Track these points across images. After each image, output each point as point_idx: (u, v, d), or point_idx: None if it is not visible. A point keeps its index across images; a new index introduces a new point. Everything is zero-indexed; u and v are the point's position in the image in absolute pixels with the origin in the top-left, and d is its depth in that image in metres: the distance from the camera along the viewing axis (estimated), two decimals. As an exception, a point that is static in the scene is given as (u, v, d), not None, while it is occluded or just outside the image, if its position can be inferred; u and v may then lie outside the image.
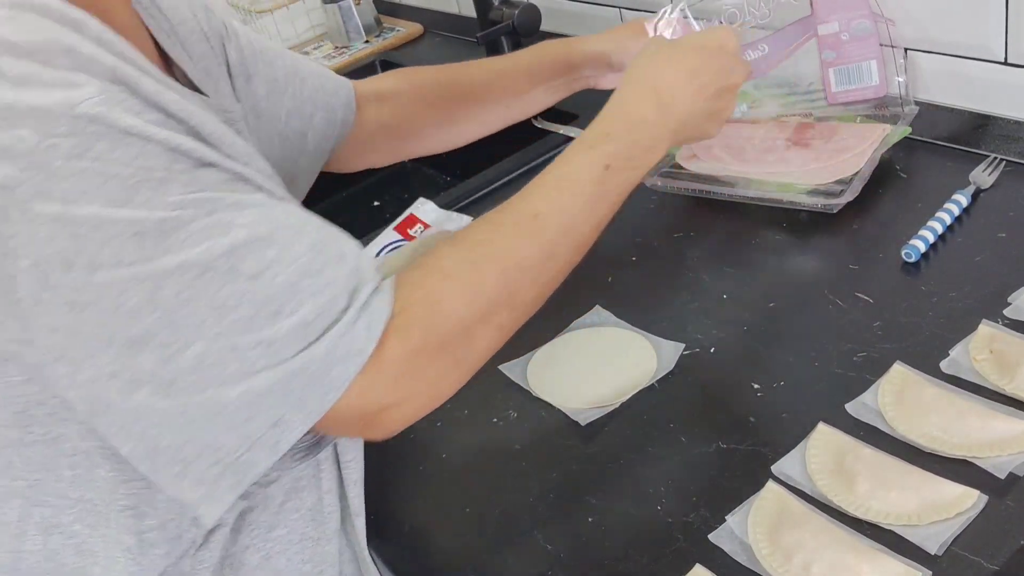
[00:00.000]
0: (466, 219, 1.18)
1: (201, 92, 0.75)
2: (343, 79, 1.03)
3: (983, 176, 0.97)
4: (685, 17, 1.01)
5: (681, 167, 1.11)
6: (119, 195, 0.52)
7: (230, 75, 0.87)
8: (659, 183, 1.10)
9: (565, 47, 1.07)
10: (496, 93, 1.07)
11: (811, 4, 1.06)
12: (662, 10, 1.04)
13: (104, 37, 0.57)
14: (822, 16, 1.05)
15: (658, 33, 1.01)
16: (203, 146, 0.57)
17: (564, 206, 0.68)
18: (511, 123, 1.12)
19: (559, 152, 1.34)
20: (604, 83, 1.07)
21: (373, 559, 0.79)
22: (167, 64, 0.75)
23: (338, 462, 0.73)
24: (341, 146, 1.03)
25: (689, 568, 0.67)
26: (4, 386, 0.59)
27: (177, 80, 0.73)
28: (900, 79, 1.05)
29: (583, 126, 1.30)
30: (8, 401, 0.59)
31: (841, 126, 1.06)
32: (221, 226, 0.54)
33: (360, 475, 0.75)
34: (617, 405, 0.83)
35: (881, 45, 1.04)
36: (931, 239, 0.90)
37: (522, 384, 0.88)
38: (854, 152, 1.01)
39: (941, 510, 0.65)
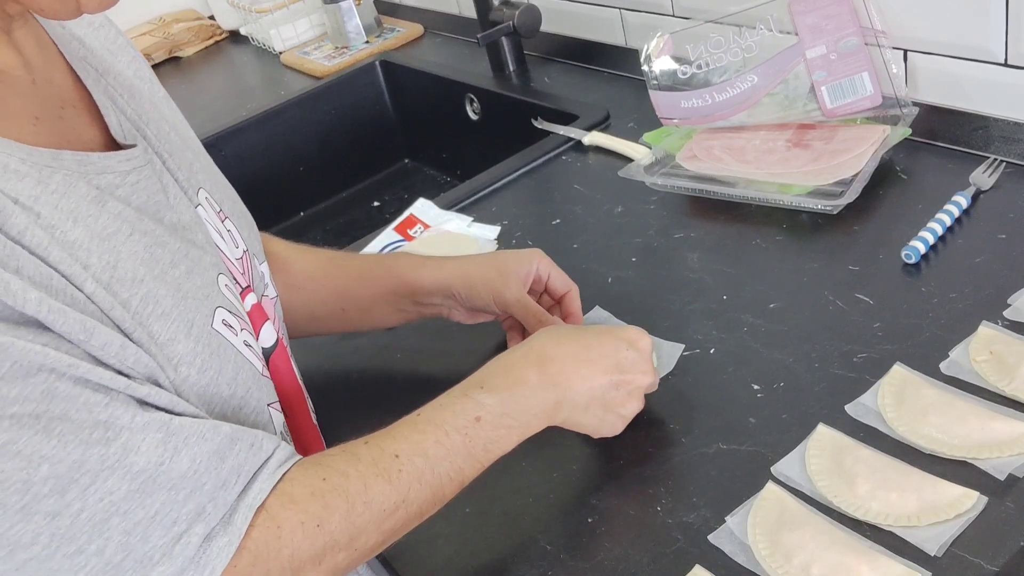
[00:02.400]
0: (466, 219, 1.18)
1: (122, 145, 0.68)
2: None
3: (983, 177, 0.97)
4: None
5: (681, 167, 1.11)
6: None
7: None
8: (659, 183, 1.10)
9: (414, 267, 0.91)
10: (332, 291, 0.93)
11: (796, 32, 1.06)
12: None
13: None
14: (809, 42, 1.05)
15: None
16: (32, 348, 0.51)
17: (426, 450, 0.65)
18: (352, 329, 0.96)
19: (559, 152, 1.35)
20: (457, 317, 0.92)
21: (373, 559, 0.79)
22: (87, 99, 0.69)
23: None
24: None
25: (689, 569, 0.67)
26: None
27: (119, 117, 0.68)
28: (899, 80, 1.05)
29: (583, 126, 1.31)
30: None
31: (841, 127, 1.07)
32: (20, 457, 0.49)
33: None
34: (617, 406, 0.83)
35: (867, 44, 1.04)
36: (931, 240, 0.90)
37: (522, 384, 0.88)
38: (854, 153, 1.01)
39: (941, 511, 0.65)
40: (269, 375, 0.72)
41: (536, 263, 0.89)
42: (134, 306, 0.59)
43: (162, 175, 0.69)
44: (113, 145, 0.67)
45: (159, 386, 0.58)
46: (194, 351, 0.62)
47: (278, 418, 0.71)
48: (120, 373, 0.56)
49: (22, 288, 0.51)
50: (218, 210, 0.75)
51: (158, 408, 0.57)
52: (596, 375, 0.72)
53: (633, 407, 0.76)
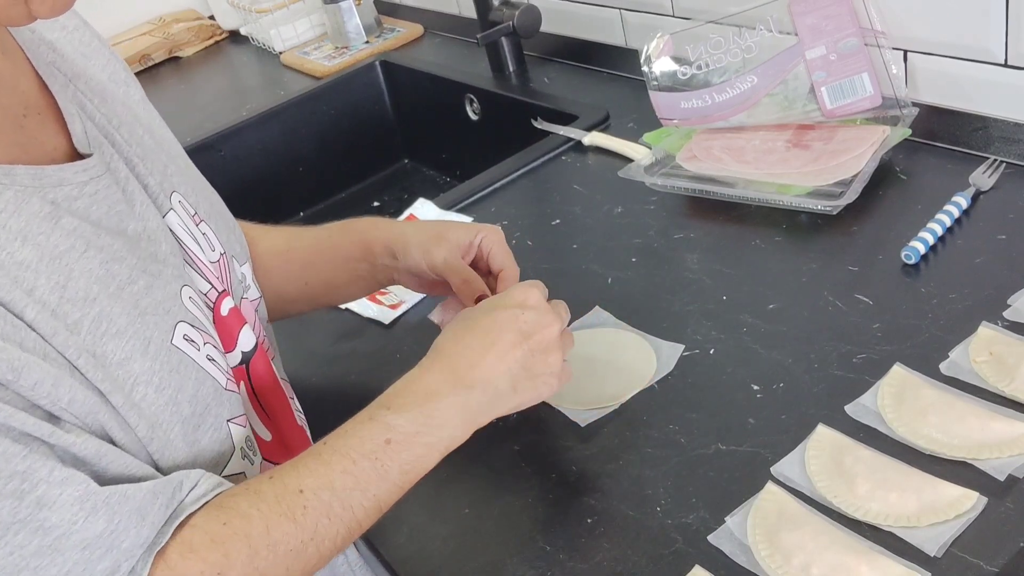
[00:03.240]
0: (466, 219, 1.18)
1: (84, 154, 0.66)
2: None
3: (983, 178, 0.97)
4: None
5: (681, 167, 1.11)
6: None
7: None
8: (659, 183, 1.10)
9: (367, 226, 0.90)
10: (297, 264, 0.92)
11: (796, 32, 1.06)
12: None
13: None
14: (808, 42, 1.05)
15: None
16: None
17: (332, 483, 0.61)
18: (317, 302, 0.96)
19: (559, 152, 1.35)
20: (405, 282, 0.89)
21: (373, 559, 0.79)
22: (54, 105, 0.67)
23: None
24: None
25: (688, 569, 0.67)
26: None
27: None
28: (899, 81, 1.05)
29: (583, 126, 1.31)
30: None
31: (841, 128, 1.07)
32: None
33: None
34: (616, 406, 0.83)
35: (867, 45, 1.04)
36: (931, 241, 0.90)
37: (521, 385, 0.88)
38: (854, 154, 1.01)
39: (940, 512, 0.65)
40: (235, 388, 0.70)
41: (481, 236, 0.84)
42: (86, 326, 0.58)
43: (127, 182, 0.67)
44: (78, 154, 0.66)
45: (88, 431, 0.57)
46: (151, 369, 0.61)
47: (239, 433, 0.69)
48: (52, 415, 0.55)
49: None
50: (193, 213, 0.74)
51: (83, 459, 0.55)
52: (506, 354, 0.68)
53: (555, 358, 0.71)
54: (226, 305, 0.73)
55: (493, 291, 0.83)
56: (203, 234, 0.74)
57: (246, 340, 0.75)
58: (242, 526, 0.58)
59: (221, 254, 0.76)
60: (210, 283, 0.72)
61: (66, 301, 0.57)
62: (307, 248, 0.92)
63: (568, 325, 0.88)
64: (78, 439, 0.55)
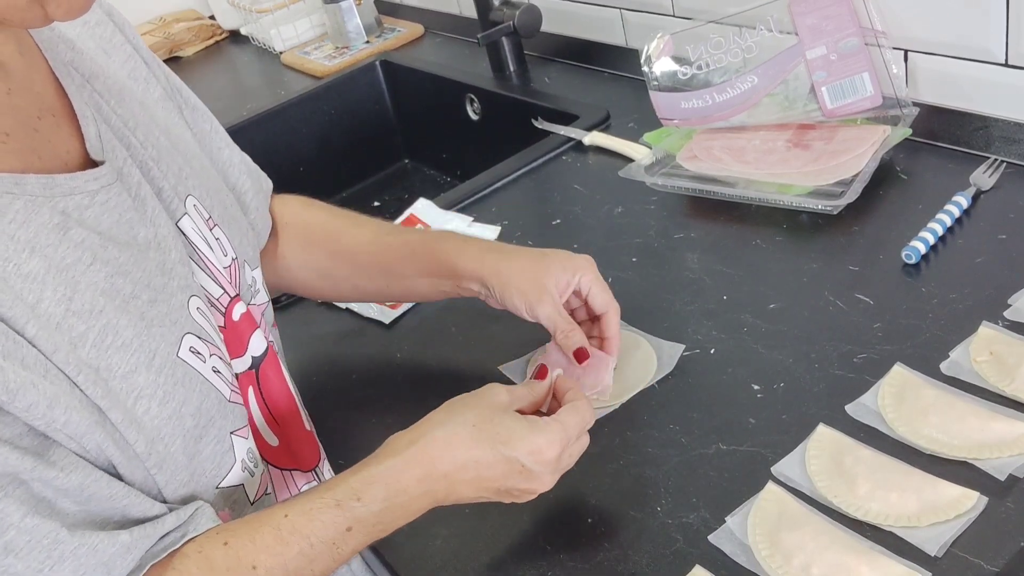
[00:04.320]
0: (466, 219, 1.18)
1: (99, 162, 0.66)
2: (262, 181, 0.93)
3: (983, 178, 0.97)
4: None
5: (681, 167, 1.11)
6: None
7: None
8: (659, 183, 1.10)
9: (456, 251, 0.88)
10: (377, 266, 0.93)
11: (796, 32, 1.06)
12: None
13: None
14: (808, 43, 1.05)
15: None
16: None
17: (286, 563, 0.61)
18: (393, 300, 1.02)
19: (559, 152, 1.34)
20: (493, 304, 0.88)
21: (373, 559, 0.79)
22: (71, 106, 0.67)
23: None
24: None
25: (689, 569, 0.67)
26: None
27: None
28: (899, 81, 1.05)
29: (583, 126, 1.31)
30: None
31: (841, 128, 1.07)
32: None
33: None
34: (617, 406, 0.83)
35: (867, 45, 1.04)
36: (931, 240, 0.90)
37: (522, 385, 0.88)
38: (855, 154, 1.01)
39: (941, 512, 0.65)
40: (239, 399, 0.70)
41: (579, 277, 0.84)
42: (91, 339, 0.58)
43: (139, 188, 0.67)
44: (91, 158, 0.65)
45: (83, 450, 0.57)
46: (155, 382, 0.61)
47: (241, 445, 0.69)
48: (45, 436, 0.55)
49: None
50: (207, 217, 0.73)
51: (65, 490, 0.55)
52: (483, 490, 0.68)
53: (529, 497, 0.69)
54: (238, 310, 0.73)
55: (589, 330, 0.86)
56: (216, 239, 0.74)
57: (257, 345, 0.75)
58: None
59: (233, 259, 0.76)
60: (223, 288, 0.72)
61: (71, 313, 0.57)
62: (393, 256, 0.92)
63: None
64: (61, 473, 0.55)
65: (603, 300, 0.85)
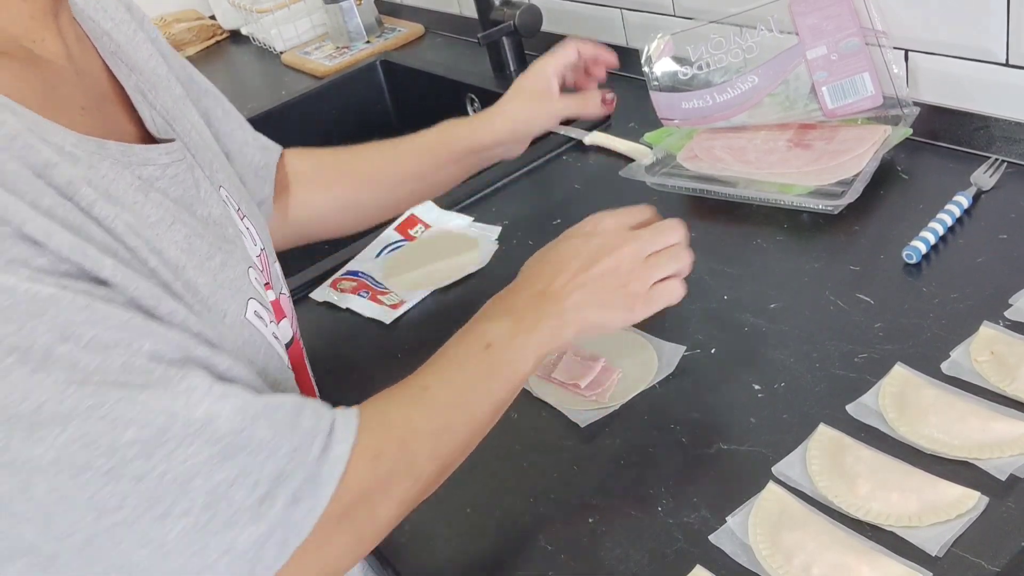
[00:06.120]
0: (466, 219, 1.18)
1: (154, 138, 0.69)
2: (271, 149, 0.98)
3: (984, 177, 0.97)
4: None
5: (682, 167, 1.11)
6: None
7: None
8: (660, 183, 1.10)
9: (470, 131, 1.02)
10: (398, 176, 1.03)
11: (797, 32, 1.06)
12: (563, 49, 1.06)
13: (6, 135, 0.52)
14: (809, 43, 1.05)
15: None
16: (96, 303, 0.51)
17: (451, 379, 0.67)
18: (423, 201, 1.12)
19: (560, 152, 1.34)
20: (517, 152, 1.06)
21: (373, 559, 0.79)
22: (121, 93, 0.70)
23: None
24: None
25: (689, 569, 0.67)
26: None
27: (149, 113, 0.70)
28: (900, 80, 1.05)
29: (584, 126, 1.31)
30: None
31: (842, 127, 1.07)
32: (105, 421, 0.49)
33: None
34: (617, 407, 0.83)
35: (868, 45, 1.04)
36: (932, 240, 0.90)
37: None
38: (855, 154, 1.01)
39: (941, 511, 0.65)
40: (291, 367, 0.73)
41: (551, 68, 1.03)
42: (178, 292, 0.60)
43: (194, 170, 0.70)
44: (148, 140, 0.68)
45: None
46: (228, 340, 0.63)
47: None
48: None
49: (97, 254, 0.52)
50: (236, 208, 0.76)
51: (230, 378, 0.58)
52: (574, 277, 0.72)
53: (637, 282, 0.72)
54: (268, 296, 0.75)
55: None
56: (246, 228, 0.76)
57: (284, 332, 0.76)
58: (384, 420, 0.63)
59: (262, 249, 0.78)
60: (259, 273, 0.74)
61: (162, 265, 0.59)
62: (417, 161, 1.03)
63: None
64: (226, 358, 0.57)
65: (581, 50, 1.05)
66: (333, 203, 1.02)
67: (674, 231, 0.75)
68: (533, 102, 1.02)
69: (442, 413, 0.66)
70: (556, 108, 1.03)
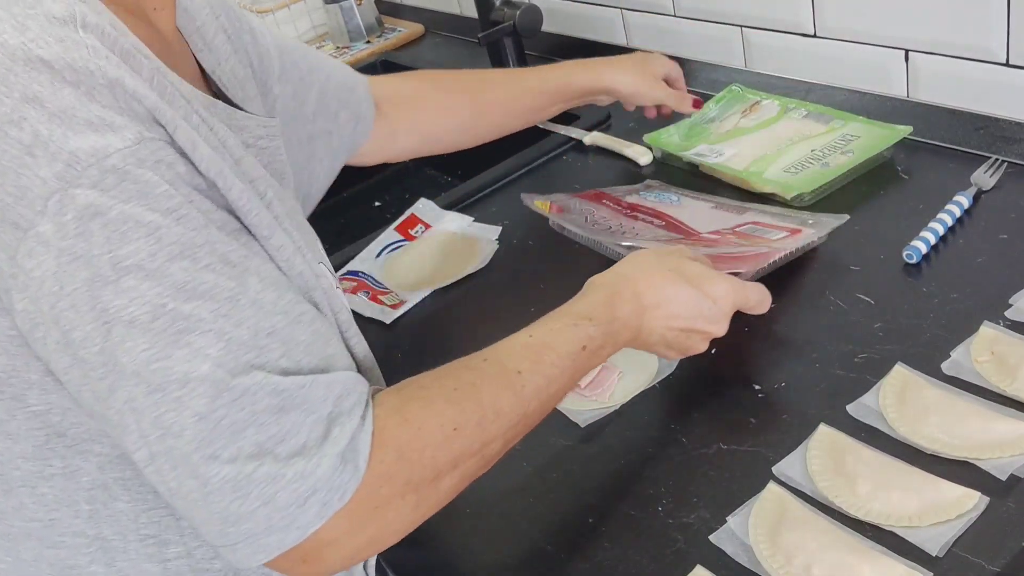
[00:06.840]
0: (466, 219, 1.18)
1: (237, 106, 0.74)
2: (359, 75, 1.05)
3: (984, 177, 0.97)
4: None
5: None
6: (107, 272, 0.51)
7: (254, 77, 0.85)
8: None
9: (595, 75, 1.15)
10: (520, 108, 1.15)
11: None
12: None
13: (151, 68, 0.56)
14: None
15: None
16: (222, 224, 0.56)
17: (544, 370, 0.67)
18: (527, 126, 1.22)
19: (560, 152, 1.34)
20: (603, 102, 1.19)
21: (374, 561, 0.79)
22: (203, 75, 0.74)
23: None
24: (362, 144, 1.04)
25: (690, 569, 0.67)
26: (25, 417, 0.58)
27: (216, 94, 0.73)
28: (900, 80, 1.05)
29: (584, 127, 1.31)
30: (28, 433, 0.58)
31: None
32: (188, 349, 0.52)
33: None
34: (618, 407, 0.83)
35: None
36: (932, 240, 0.90)
37: (522, 384, 0.88)
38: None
39: (942, 511, 0.65)
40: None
41: (668, 64, 1.18)
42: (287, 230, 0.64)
43: (282, 151, 0.76)
44: None
45: None
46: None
47: None
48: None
49: (230, 175, 0.57)
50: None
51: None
52: (673, 323, 0.75)
53: (699, 347, 0.78)
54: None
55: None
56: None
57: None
58: (472, 392, 0.63)
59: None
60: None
61: (272, 205, 0.63)
62: (538, 98, 1.16)
63: None
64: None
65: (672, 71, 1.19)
66: (455, 125, 1.13)
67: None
68: (646, 78, 1.15)
69: (526, 400, 0.66)
70: (658, 93, 1.16)
